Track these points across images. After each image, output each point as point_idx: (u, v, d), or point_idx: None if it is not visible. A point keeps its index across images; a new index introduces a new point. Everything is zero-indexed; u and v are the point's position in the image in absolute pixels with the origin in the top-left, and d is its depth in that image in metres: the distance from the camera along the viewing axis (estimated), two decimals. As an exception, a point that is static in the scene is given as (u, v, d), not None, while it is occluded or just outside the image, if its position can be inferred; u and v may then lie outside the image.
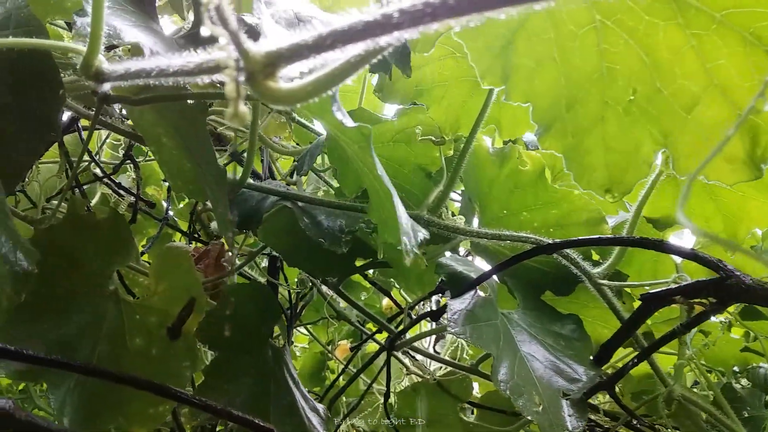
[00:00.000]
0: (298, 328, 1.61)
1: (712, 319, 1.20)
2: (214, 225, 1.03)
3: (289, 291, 1.37)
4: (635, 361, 0.76)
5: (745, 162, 0.47)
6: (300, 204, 0.85)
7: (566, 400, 0.81)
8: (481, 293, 0.87)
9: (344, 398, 1.57)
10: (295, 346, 1.72)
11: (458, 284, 0.89)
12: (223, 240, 1.00)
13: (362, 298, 1.38)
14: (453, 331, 0.79)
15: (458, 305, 0.82)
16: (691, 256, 0.71)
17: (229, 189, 0.86)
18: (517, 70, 0.50)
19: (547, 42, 0.47)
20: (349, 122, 0.48)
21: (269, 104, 0.63)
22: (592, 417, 1.14)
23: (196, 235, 1.18)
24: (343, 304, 1.40)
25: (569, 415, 0.79)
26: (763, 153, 0.47)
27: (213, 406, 0.59)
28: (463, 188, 1.10)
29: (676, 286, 0.71)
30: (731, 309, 1.13)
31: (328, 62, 0.34)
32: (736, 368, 1.21)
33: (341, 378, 1.43)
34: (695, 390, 1.16)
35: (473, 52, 0.51)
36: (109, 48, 0.61)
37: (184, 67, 0.38)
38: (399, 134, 0.98)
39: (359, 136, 0.50)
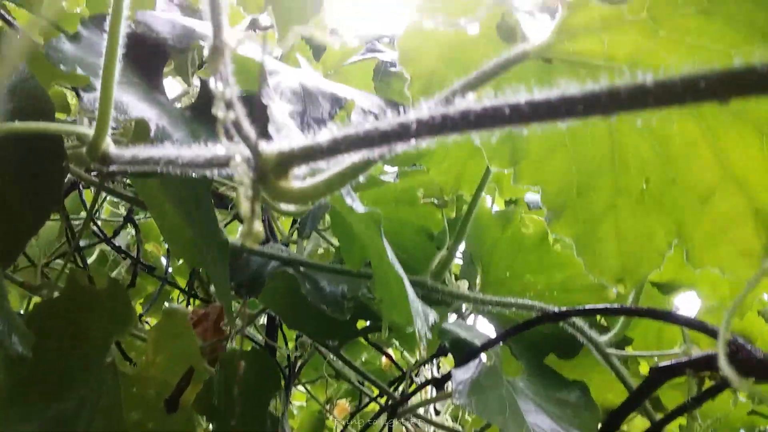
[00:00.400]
0: (297, 386, 1.57)
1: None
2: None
3: (288, 352, 1.35)
4: (646, 434, 0.74)
5: (761, 256, 0.47)
6: (302, 269, 0.84)
7: (575, 474, 0.78)
8: (485, 360, 0.85)
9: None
10: (291, 404, 1.69)
11: (462, 351, 0.87)
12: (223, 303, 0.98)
13: (362, 358, 1.36)
14: (458, 402, 0.77)
15: (462, 374, 0.81)
16: (700, 327, 0.70)
17: (231, 253, 0.85)
18: (526, 155, 0.50)
19: (558, 129, 0.47)
20: (360, 208, 0.47)
21: (280, 205, 0.62)
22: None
23: (194, 293, 1.17)
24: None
25: (577, 491, 0.76)
26: (780, 248, 0.46)
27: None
28: (464, 248, 1.09)
29: (686, 358, 0.69)
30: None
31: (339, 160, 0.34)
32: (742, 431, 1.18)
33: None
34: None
35: (480, 135, 0.51)
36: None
37: (194, 159, 0.37)
38: (401, 195, 0.98)
39: (369, 221, 0.49)
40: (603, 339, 0.82)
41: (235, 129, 0.30)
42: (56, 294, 0.71)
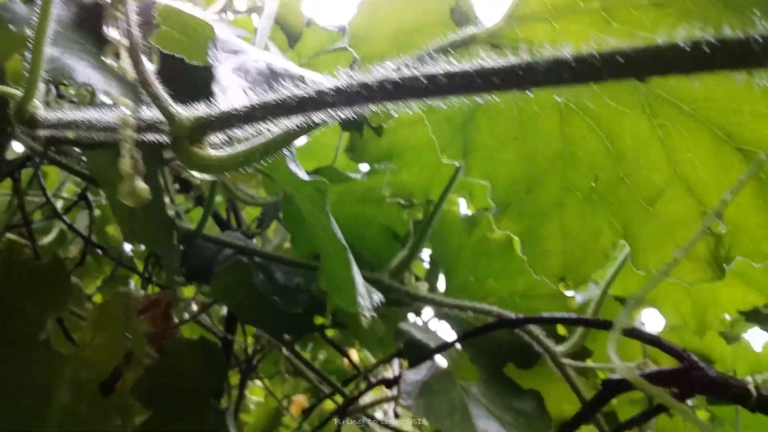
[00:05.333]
0: (255, 381, 1.55)
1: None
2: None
3: (246, 345, 1.32)
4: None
5: (708, 262, 0.45)
6: (257, 259, 0.82)
7: (520, 484, 0.77)
8: (439, 363, 0.83)
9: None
10: (249, 399, 1.65)
11: (416, 353, 0.85)
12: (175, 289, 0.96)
13: (320, 356, 1.34)
14: (406, 403, 0.75)
15: (413, 376, 0.79)
16: (655, 343, 0.68)
17: (184, 238, 0.82)
18: (477, 147, 0.48)
19: (509, 120, 0.46)
20: (304, 175, 0.45)
21: (194, 172, 0.60)
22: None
23: (153, 279, 1.14)
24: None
25: (522, 501, 0.75)
26: (727, 254, 0.45)
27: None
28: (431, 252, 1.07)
29: (639, 373, 0.68)
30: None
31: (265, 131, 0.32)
32: (700, 454, 1.17)
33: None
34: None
35: (433, 125, 0.50)
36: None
37: (116, 122, 0.35)
38: (368, 194, 0.96)
39: (314, 192, 0.47)
40: (559, 349, 0.81)
41: (143, 87, 0.28)
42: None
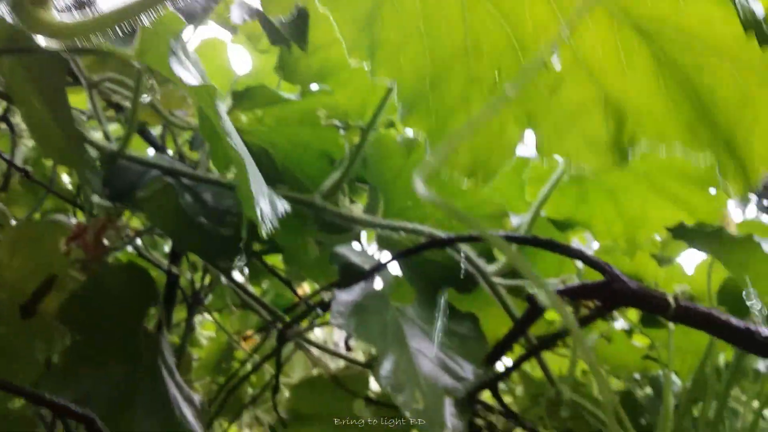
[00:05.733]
0: (206, 315, 1.54)
1: (616, 326, 1.20)
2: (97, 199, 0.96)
3: (192, 276, 1.31)
4: (519, 360, 0.74)
5: (609, 146, 0.45)
6: (185, 181, 0.80)
7: (450, 398, 0.78)
8: (374, 286, 0.84)
9: (250, 389, 1.52)
10: (202, 335, 1.65)
11: (352, 275, 0.85)
12: (108, 215, 0.93)
13: (263, 286, 1.33)
14: (336, 323, 0.75)
15: (345, 296, 0.79)
16: (578, 256, 0.69)
17: (107, 159, 0.79)
18: (382, 45, 0.46)
19: (413, 14, 0.44)
20: (190, 79, 0.43)
21: (41, 36, 0.57)
22: (492, 419, 1.13)
23: (85, 207, 1.11)
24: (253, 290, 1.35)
25: (451, 414, 0.76)
26: (630, 138, 0.44)
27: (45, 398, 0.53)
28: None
29: (563, 287, 0.69)
30: (633, 317, 1.14)
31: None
32: (636, 375, 1.21)
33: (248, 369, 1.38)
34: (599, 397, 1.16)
35: (339, 23, 0.47)
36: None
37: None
38: (304, 116, 0.94)
39: (207, 98, 0.45)
40: (491, 268, 0.81)
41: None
42: None
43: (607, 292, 0.67)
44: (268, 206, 0.50)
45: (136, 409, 0.76)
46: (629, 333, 1.13)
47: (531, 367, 1.11)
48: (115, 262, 0.92)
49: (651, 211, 0.82)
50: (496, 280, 0.80)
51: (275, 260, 1.21)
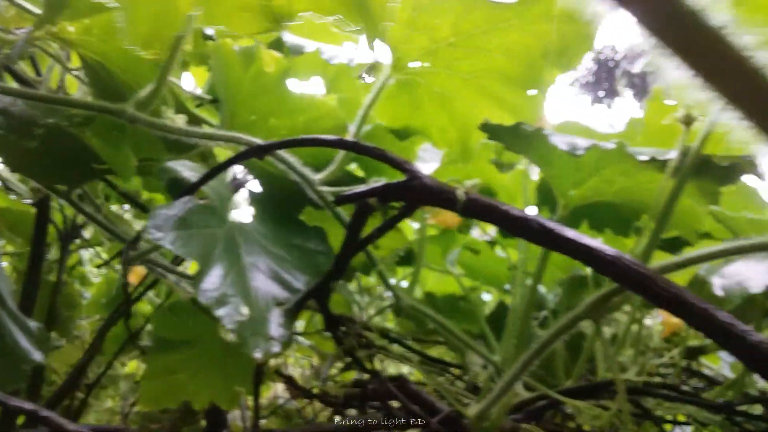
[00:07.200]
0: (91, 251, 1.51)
1: (479, 237, 1.21)
2: None
3: (62, 209, 1.27)
4: (340, 261, 0.73)
5: (258, 11, 0.43)
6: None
7: (279, 309, 0.78)
8: (202, 201, 0.81)
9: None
10: (92, 273, 1.62)
11: (184, 190, 0.82)
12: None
13: (128, 216, 1.29)
14: (152, 237, 0.72)
15: (165, 211, 0.76)
16: (380, 156, 0.68)
17: None
18: None
19: None
20: None
21: None
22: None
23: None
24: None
25: (277, 324, 0.76)
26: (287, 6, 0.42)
27: None
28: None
29: (368, 187, 0.68)
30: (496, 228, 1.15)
31: None
32: (507, 286, 1.23)
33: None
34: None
35: None
36: None
37: None
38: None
39: None
40: (317, 177, 0.79)
41: None
42: None
43: (407, 191, 0.66)
44: None
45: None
46: (492, 245, 1.14)
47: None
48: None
49: (480, 115, 0.80)
50: (324, 188, 0.79)
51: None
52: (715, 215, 0.77)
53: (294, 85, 0.94)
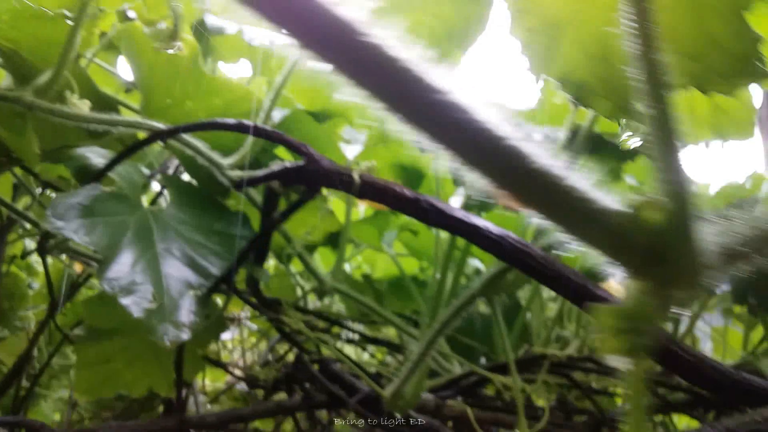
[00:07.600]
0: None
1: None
2: None
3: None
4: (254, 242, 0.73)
5: None
6: None
7: (192, 295, 0.77)
8: (106, 188, 0.79)
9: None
10: (38, 262, 1.59)
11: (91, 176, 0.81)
12: None
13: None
14: (51, 227, 0.71)
15: (67, 199, 0.74)
16: (279, 140, 0.67)
17: None
18: None
19: None
20: None
21: None
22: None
23: None
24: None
25: (188, 311, 0.75)
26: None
27: None
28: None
29: (268, 171, 0.66)
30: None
31: None
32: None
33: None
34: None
35: None
36: None
37: None
38: (38, 10, 0.85)
39: None
40: (227, 161, 0.78)
41: None
42: None
43: (302, 173, 0.65)
44: None
45: None
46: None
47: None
48: None
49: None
50: (236, 173, 0.77)
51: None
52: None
53: (223, 69, 0.92)
